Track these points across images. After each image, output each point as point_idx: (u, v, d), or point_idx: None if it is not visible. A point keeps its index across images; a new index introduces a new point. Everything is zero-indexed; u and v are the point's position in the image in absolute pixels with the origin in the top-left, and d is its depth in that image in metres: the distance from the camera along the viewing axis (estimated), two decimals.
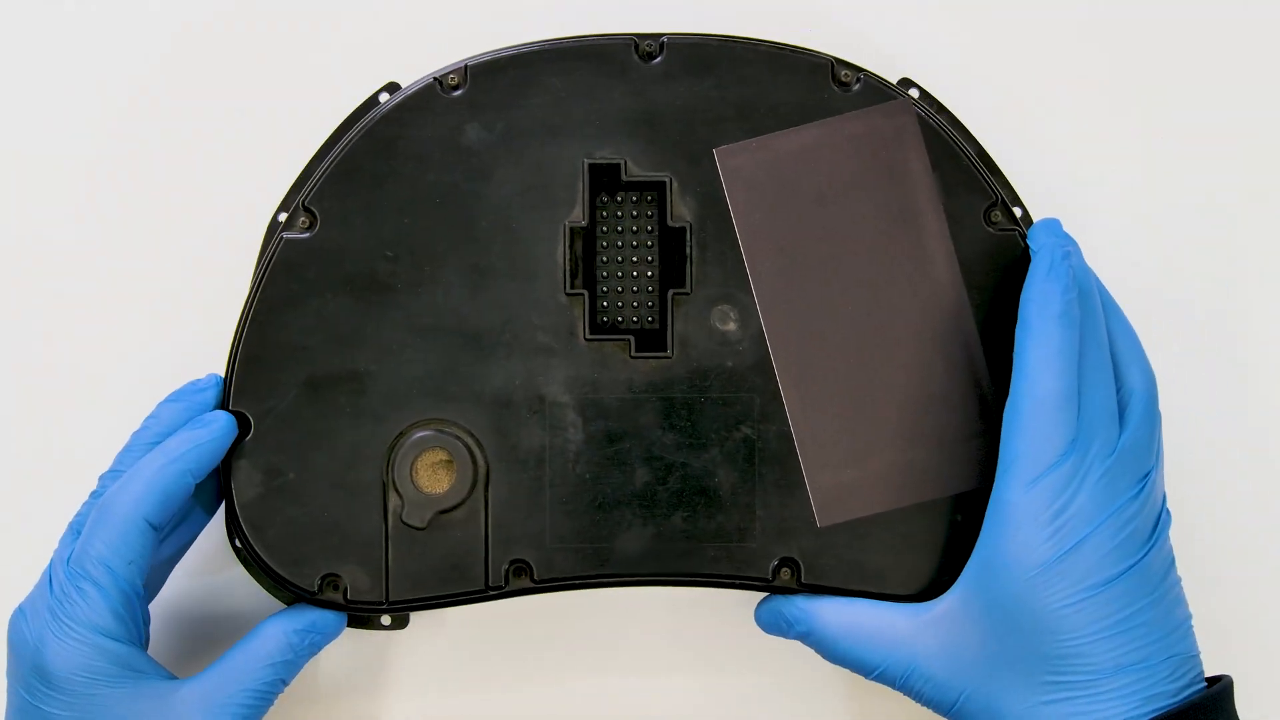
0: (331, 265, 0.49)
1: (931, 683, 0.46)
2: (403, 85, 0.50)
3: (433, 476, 0.49)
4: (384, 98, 0.50)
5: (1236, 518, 0.54)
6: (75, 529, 0.47)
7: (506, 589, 0.48)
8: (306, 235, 0.49)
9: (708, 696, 0.54)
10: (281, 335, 0.48)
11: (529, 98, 0.49)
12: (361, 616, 0.50)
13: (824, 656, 0.48)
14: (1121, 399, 0.47)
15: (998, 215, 0.50)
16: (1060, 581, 0.44)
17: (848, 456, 0.49)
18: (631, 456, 0.49)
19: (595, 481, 0.49)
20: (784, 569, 0.49)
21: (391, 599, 0.48)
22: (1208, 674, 0.46)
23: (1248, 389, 0.54)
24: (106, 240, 0.53)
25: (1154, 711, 0.44)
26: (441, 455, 0.49)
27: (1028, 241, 0.48)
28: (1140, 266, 0.54)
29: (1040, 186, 0.53)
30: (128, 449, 0.48)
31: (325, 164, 0.49)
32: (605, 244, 0.50)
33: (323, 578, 0.48)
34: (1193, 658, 0.45)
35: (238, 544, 0.48)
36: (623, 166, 0.49)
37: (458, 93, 0.49)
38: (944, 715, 0.46)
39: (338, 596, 0.48)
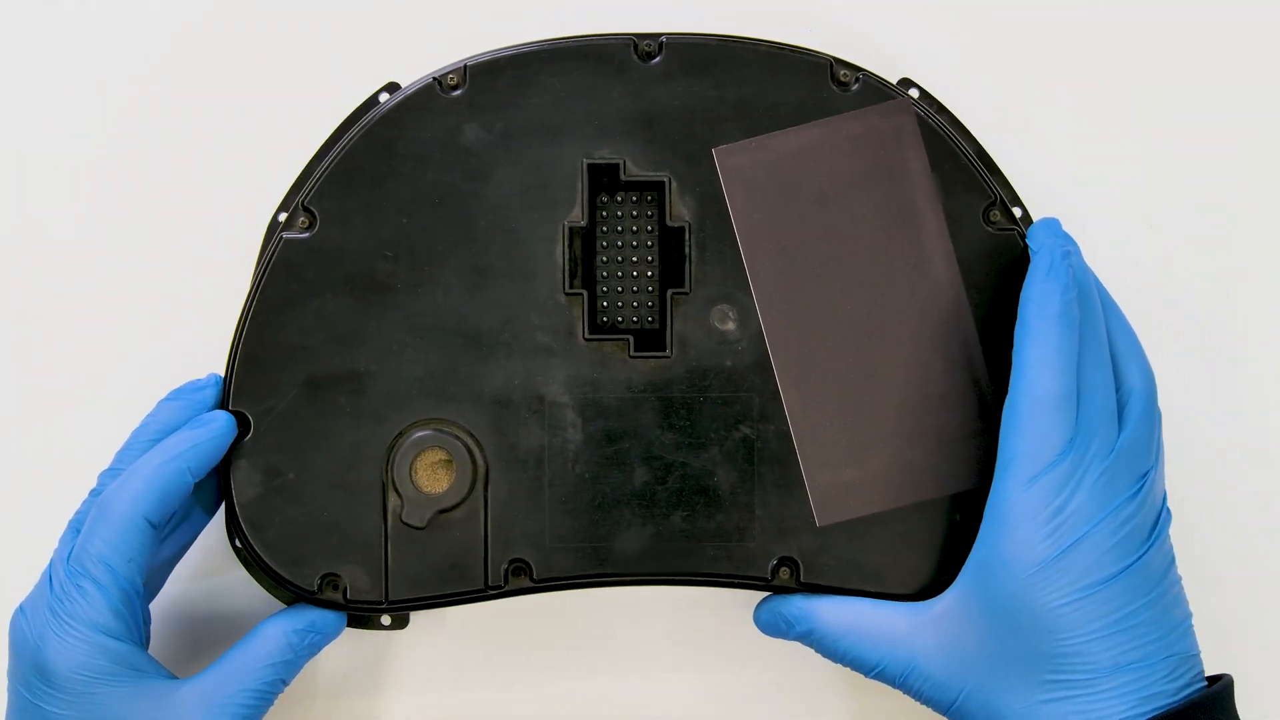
0: (331, 265, 0.49)
1: (931, 681, 0.46)
2: (402, 85, 0.50)
3: (432, 476, 0.49)
4: (383, 98, 0.50)
5: (1236, 518, 0.54)
6: (75, 527, 0.47)
7: (506, 588, 0.48)
8: (306, 235, 0.49)
9: (707, 696, 0.54)
10: (281, 335, 0.48)
11: (528, 98, 0.49)
12: (361, 616, 0.50)
13: (824, 655, 0.48)
14: (1121, 398, 0.47)
15: (997, 215, 0.50)
16: (1058, 580, 0.44)
17: (847, 456, 0.49)
18: (631, 456, 0.49)
19: (594, 481, 0.49)
20: (783, 568, 0.49)
21: (391, 599, 0.48)
22: (1208, 674, 0.46)
23: (1247, 389, 0.54)
24: (106, 240, 0.53)
25: (1153, 710, 0.44)
26: (441, 455, 0.49)
27: (1027, 241, 0.48)
28: (1140, 266, 0.54)
29: (1040, 186, 0.53)
30: (127, 447, 0.48)
31: (325, 164, 0.49)
32: (604, 244, 0.50)
33: (322, 577, 0.48)
34: (1192, 657, 0.45)
35: (238, 544, 0.48)
36: (622, 166, 0.49)
37: (457, 93, 0.49)
38: (943, 714, 0.46)
39: (337, 596, 0.48)
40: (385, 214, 0.49)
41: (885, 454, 0.49)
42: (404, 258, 0.49)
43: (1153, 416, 0.46)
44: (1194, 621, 0.46)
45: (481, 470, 0.49)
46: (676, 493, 0.49)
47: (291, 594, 0.49)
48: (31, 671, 0.45)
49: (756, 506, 0.49)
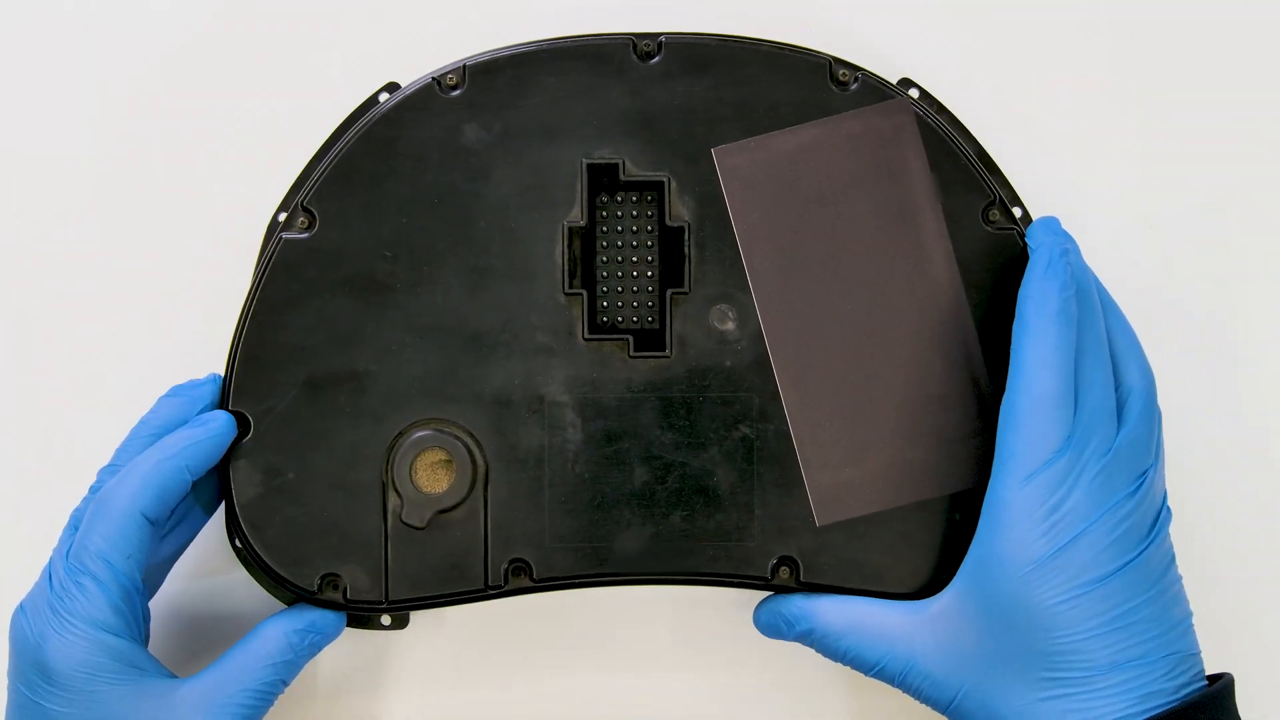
0: (331, 265, 0.49)
1: (929, 679, 0.46)
2: (402, 85, 0.50)
3: (432, 476, 0.49)
4: (383, 98, 0.50)
5: (1236, 518, 0.54)
6: (74, 524, 0.47)
7: (506, 588, 0.48)
8: (306, 235, 0.49)
9: (708, 696, 0.54)
10: (281, 335, 0.48)
11: (527, 98, 0.49)
12: (361, 616, 0.50)
13: (824, 655, 0.48)
14: (1120, 397, 0.47)
15: (996, 214, 0.50)
16: (1054, 578, 0.44)
17: (846, 455, 0.49)
18: (630, 456, 0.49)
19: (594, 481, 0.49)
20: (783, 567, 0.49)
21: (391, 598, 0.48)
22: (1209, 673, 0.46)
23: (1247, 388, 0.54)
24: (107, 240, 0.53)
25: (1152, 709, 0.44)
26: (441, 455, 0.49)
27: (1026, 239, 0.48)
28: (1139, 266, 0.54)
29: (1039, 186, 0.53)
30: (126, 444, 0.48)
31: (324, 164, 0.49)
32: (604, 244, 0.50)
33: (322, 577, 0.48)
34: (1192, 655, 0.45)
35: (238, 544, 0.49)
36: (621, 166, 0.49)
37: (456, 93, 0.49)
38: (942, 712, 0.46)
39: (337, 596, 0.48)
40: (385, 214, 0.49)
41: (885, 453, 0.49)
42: (403, 258, 0.49)
43: (1152, 415, 0.46)
44: (1195, 621, 0.46)
45: (481, 470, 0.49)
46: (676, 492, 0.49)
47: (291, 594, 0.49)
48: (32, 669, 0.45)
49: (756, 506, 0.49)
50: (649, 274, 0.50)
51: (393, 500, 0.48)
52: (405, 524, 0.48)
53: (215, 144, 0.53)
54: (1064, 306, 0.46)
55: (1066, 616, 0.44)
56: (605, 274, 0.50)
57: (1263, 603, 0.54)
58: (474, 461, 0.49)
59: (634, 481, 0.49)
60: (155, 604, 0.50)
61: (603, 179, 0.49)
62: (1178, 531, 0.47)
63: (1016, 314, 0.47)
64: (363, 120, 0.49)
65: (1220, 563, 0.54)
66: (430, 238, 0.49)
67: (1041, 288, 0.46)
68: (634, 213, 0.50)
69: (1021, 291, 0.47)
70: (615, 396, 0.49)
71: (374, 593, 0.48)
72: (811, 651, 0.49)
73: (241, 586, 0.52)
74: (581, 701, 0.53)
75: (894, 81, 0.50)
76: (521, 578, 0.48)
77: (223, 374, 0.49)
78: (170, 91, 0.54)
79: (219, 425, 0.47)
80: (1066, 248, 0.47)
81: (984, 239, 0.49)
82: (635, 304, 0.50)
